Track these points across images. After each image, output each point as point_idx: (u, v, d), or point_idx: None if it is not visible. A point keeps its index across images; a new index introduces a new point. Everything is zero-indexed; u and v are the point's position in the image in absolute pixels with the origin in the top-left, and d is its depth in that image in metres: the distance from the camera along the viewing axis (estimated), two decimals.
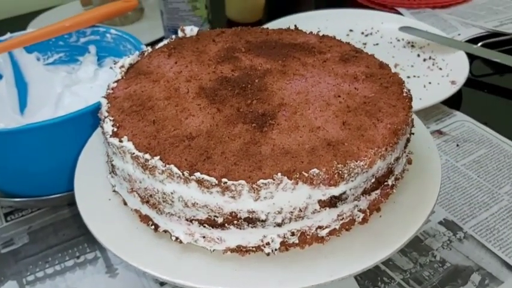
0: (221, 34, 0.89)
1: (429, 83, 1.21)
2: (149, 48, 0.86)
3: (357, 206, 0.65)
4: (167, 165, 0.60)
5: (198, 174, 0.59)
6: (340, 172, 0.60)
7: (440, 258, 0.84)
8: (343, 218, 0.65)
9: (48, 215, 0.96)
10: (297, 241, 0.64)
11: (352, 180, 0.62)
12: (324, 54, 0.81)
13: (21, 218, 0.96)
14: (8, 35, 1.07)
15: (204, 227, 0.63)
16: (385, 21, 1.49)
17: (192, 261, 0.64)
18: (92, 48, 1.14)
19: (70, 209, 0.97)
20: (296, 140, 0.64)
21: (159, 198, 0.63)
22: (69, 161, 0.82)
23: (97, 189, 0.75)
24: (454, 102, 1.17)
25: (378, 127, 0.65)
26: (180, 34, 0.89)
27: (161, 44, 0.87)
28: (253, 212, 0.60)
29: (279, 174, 0.58)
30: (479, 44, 1.34)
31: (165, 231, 0.66)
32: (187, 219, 0.63)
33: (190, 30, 0.89)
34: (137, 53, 0.84)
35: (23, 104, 1.07)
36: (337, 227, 0.65)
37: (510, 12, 1.52)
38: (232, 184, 0.58)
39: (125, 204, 0.71)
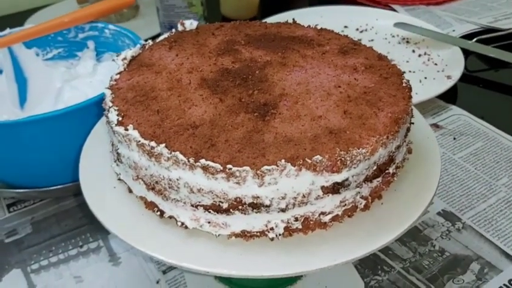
0: (220, 28, 0.89)
1: (425, 78, 1.22)
2: (150, 42, 0.87)
3: (359, 192, 0.66)
4: (173, 152, 0.60)
5: (203, 160, 0.59)
6: (343, 159, 0.60)
7: (439, 248, 0.85)
8: (345, 205, 0.66)
9: (51, 205, 0.97)
10: (300, 226, 0.65)
11: (354, 167, 0.62)
12: (323, 47, 0.82)
13: (24, 208, 0.98)
14: (8, 30, 1.08)
15: (209, 212, 0.63)
16: (380, 17, 1.50)
17: (197, 245, 0.64)
18: (91, 44, 1.15)
19: (73, 199, 0.98)
20: (298, 128, 0.64)
21: (165, 184, 0.64)
22: (71, 153, 0.83)
23: (102, 177, 0.75)
24: (449, 96, 1.18)
25: (379, 116, 0.66)
26: (180, 28, 0.90)
27: (161, 38, 0.88)
28: (258, 197, 0.60)
29: (283, 160, 0.59)
30: (474, 39, 1.35)
31: (170, 217, 0.67)
32: (192, 205, 0.64)
33: (190, 24, 0.90)
34: (138, 45, 0.85)
35: (22, 99, 1.07)
36: (340, 213, 0.66)
37: (504, 9, 1.54)
38: (237, 170, 0.59)
39: (131, 191, 0.72)
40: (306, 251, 0.63)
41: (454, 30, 1.44)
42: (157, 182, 0.65)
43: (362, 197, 0.67)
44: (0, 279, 0.85)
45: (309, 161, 0.59)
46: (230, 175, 0.59)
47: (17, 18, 1.61)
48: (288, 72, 0.75)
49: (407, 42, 1.39)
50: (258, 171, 0.58)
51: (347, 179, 0.63)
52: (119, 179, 0.73)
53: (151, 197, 0.68)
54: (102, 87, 0.76)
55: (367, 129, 0.64)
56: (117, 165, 0.72)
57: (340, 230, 0.66)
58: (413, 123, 0.75)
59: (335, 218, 0.66)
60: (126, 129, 0.65)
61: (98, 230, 0.70)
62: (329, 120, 0.65)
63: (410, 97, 0.71)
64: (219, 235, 0.65)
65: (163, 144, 0.62)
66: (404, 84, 0.73)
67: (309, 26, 0.90)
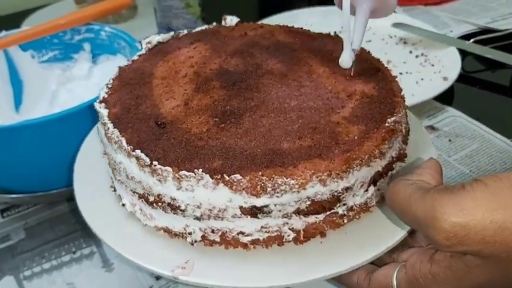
0: (257, 28, 0.89)
1: (422, 79, 1.22)
2: (185, 31, 0.90)
3: (287, 223, 0.64)
4: (120, 137, 0.65)
5: (138, 151, 0.63)
6: (262, 184, 0.59)
7: None
8: (269, 232, 0.64)
9: (45, 210, 0.98)
10: (218, 239, 0.65)
11: (277, 196, 0.60)
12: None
13: (18, 214, 0.98)
14: (3, 32, 1.08)
15: (142, 202, 0.66)
16: None
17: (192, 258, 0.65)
18: (87, 46, 1.14)
19: (66, 204, 0.97)
20: (244, 143, 0.64)
21: (113, 164, 0.69)
22: (65, 158, 0.84)
23: (97, 187, 0.76)
24: (446, 98, 1.18)
25: (335, 152, 0.63)
26: (223, 23, 0.92)
27: (198, 29, 0.91)
28: (175, 199, 0.62)
29: (200, 170, 0.60)
30: (471, 40, 1.35)
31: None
32: (131, 190, 0.67)
33: (230, 20, 0.92)
34: (172, 33, 0.88)
35: (18, 102, 1.08)
36: (261, 238, 0.64)
37: (502, 9, 1.52)
38: (160, 168, 0.61)
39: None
40: (303, 261, 0.63)
41: (451, 31, 1.43)
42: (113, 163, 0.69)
43: (291, 229, 0.64)
44: None
45: (227, 178, 0.59)
46: (153, 171, 0.62)
47: (14, 19, 1.60)
48: (281, 86, 0.73)
49: (405, 43, 1.38)
50: (177, 174, 0.60)
51: (267, 206, 0.61)
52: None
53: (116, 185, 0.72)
54: (98, 90, 0.78)
55: (309, 161, 0.61)
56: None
57: (340, 236, 0.66)
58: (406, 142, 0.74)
59: (256, 242, 0.65)
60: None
61: (91, 235, 0.69)
62: (278, 142, 0.64)
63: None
64: (145, 225, 0.68)
65: (117, 129, 0.67)
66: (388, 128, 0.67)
67: None
